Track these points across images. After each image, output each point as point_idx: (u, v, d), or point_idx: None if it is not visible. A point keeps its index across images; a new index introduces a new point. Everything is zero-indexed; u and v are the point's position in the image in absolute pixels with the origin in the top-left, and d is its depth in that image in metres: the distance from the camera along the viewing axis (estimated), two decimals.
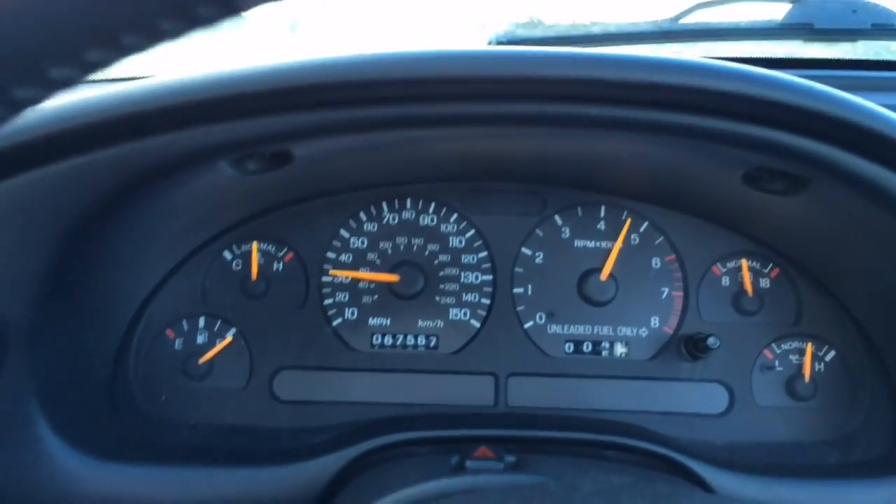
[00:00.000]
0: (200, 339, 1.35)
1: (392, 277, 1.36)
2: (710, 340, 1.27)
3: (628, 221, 1.38)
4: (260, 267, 1.37)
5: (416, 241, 1.39)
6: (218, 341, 1.34)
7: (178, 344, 1.35)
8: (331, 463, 1.15)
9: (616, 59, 0.95)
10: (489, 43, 1.91)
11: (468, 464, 0.93)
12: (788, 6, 2.06)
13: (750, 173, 1.14)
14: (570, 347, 1.38)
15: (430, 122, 0.99)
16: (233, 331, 1.35)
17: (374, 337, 1.37)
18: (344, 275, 1.37)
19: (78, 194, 0.98)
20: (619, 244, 1.37)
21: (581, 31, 2.14)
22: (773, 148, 1.01)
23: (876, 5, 1.97)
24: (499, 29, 2.03)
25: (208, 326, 1.35)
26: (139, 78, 0.95)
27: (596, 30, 2.14)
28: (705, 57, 1.73)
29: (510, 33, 1.99)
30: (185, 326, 1.35)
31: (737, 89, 0.94)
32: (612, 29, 2.12)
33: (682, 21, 2.18)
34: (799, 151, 1.00)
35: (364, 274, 1.37)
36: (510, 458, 0.95)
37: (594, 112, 0.99)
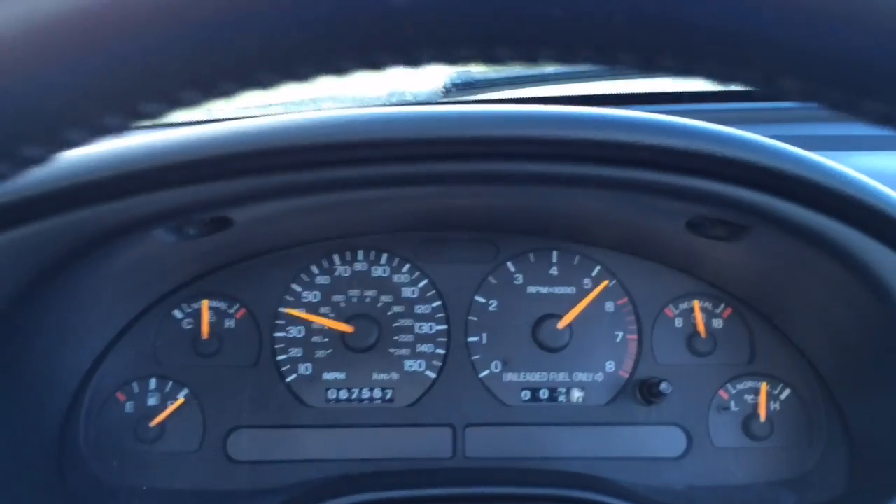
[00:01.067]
0: (152, 401, 1.33)
1: (346, 327, 1.35)
2: (663, 386, 1.27)
3: (605, 283, 1.38)
4: (211, 325, 1.35)
5: (369, 293, 1.38)
6: (169, 403, 1.32)
7: (128, 407, 1.32)
8: None
9: (545, 117, 0.95)
10: (444, 85, 1.91)
11: None
12: None
13: (693, 221, 1.15)
14: (526, 395, 1.37)
15: (369, 183, 0.99)
16: (185, 391, 1.33)
17: (329, 392, 1.36)
18: (300, 316, 1.35)
19: (10, 269, 0.97)
20: (590, 298, 1.36)
21: (534, 72, 2.15)
22: (709, 199, 1.01)
23: None
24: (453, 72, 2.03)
25: (159, 388, 1.33)
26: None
27: (549, 70, 2.16)
28: (655, 92, 1.75)
29: (465, 75, 2.00)
30: (136, 389, 1.33)
31: (664, 143, 0.94)
32: (565, 68, 2.13)
33: None
34: (734, 201, 1.01)
35: (319, 318, 1.35)
36: None
37: (529, 169, 0.99)
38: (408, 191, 1.08)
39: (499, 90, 1.84)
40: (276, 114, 0.96)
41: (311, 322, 1.36)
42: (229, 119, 0.97)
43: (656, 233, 1.26)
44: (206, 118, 0.95)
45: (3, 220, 0.92)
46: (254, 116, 0.94)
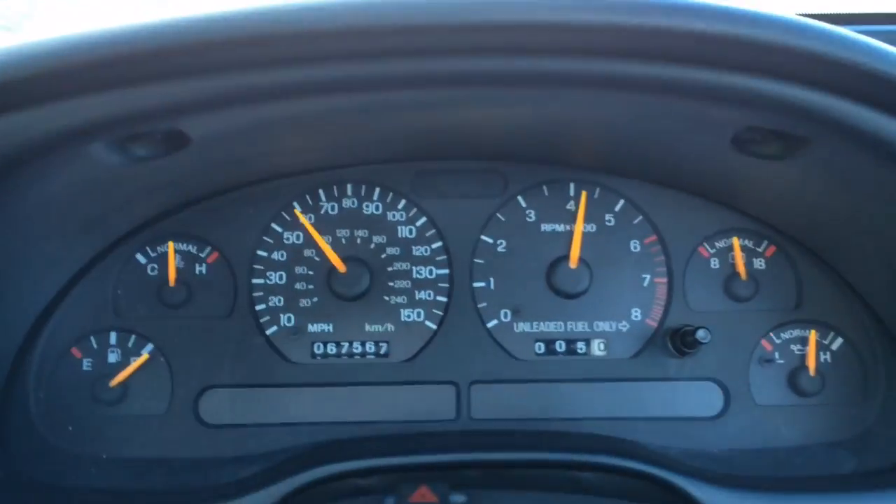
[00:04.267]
0: (112, 357, 1.17)
1: (340, 263, 1.17)
2: (700, 334, 1.09)
3: (583, 194, 1.20)
4: (179, 271, 1.19)
5: (360, 234, 1.21)
6: (132, 359, 1.16)
7: (85, 364, 1.16)
8: (261, 501, 0.96)
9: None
10: None
11: None
12: None
13: (739, 136, 0.96)
14: (540, 348, 1.20)
15: (340, 87, 0.80)
16: (149, 346, 1.17)
17: (315, 346, 1.19)
18: (306, 226, 1.18)
19: None
20: (579, 222, 1.19)
21: None
22: (768, 103, 0.83)
23: None
24: None
25: (121, 342, 1.17)
26: None
27: None
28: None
29: None
30: (94, 343, 1.17)
31: (721, 30, 0.76)
32: None
33: None
34: (799, 106, 0.82)
35: (323, 242, 1.18)
36: (457, 499, 0.77)
37: (557, 66, 0.80)
38: (395, 98, 0.89)
39: None
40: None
41: (296, 260, 1.19)
42: None
43: (693, 154, 1.08)
44: None
45: None
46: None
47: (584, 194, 1.20)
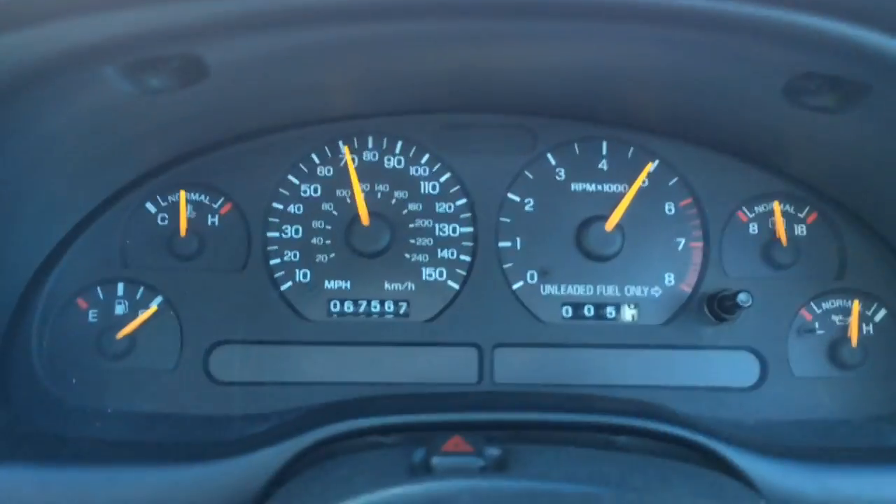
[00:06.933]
0: (119, 309, 1.12)
1: (365, 213, 1.12)
2: (741, 297, 1.04)
3: (649, 164, 1.15)
4: (190, 221, 1.13)
5: (381, 188, 1.16)
6: (140, 312, 1.11)
7: (91, 315, 1.11)
8: (273, 457, 0.91)
9: None
10: None
11: (435, 461, 0.69)
12: None
13: (793, 84, 0.90)
14: (567, 311, 1.15)
15: (364, 14, 0.74)
16: (159, 299, 1.12)
17: (332, 303, 1.14)
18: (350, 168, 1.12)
19: None
20: (636, 187, 1.13)
21: None
22: (829, 44, 0.77)
23: None
24: None
25: (129, 294, 1.12)
26: None
27: None
28: None
29: None
30: (101, 294, 1.12)
31: None
32: None
33: None
34: (862, 47, 0.76)
35: (358, 187, 1.12)
36: (492, 451, 0.72)
37: None
38: (420, 29, 0.82)
39: None
40: None
41: (314, 213, 1.14)
42: None
43: (739, 107, 1.01)
44: None
45: None
46: None
47: (649, 165, 1.15)
